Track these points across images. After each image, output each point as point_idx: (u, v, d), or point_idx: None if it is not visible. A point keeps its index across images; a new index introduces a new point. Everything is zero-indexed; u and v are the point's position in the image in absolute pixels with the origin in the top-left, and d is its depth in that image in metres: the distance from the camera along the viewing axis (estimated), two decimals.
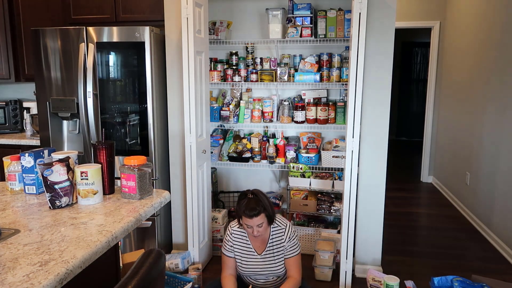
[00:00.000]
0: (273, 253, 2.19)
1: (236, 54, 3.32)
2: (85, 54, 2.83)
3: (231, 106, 3.26)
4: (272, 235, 2.19)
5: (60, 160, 1.56)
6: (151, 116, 2.87)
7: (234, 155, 3.28)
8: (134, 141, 2.94)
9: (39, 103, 3.01)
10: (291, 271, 2.18)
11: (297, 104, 3.14)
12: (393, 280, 2.28)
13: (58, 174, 1.53)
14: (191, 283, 2.31)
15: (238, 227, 2.23)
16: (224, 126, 3.51)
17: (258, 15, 3.35)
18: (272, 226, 2.20)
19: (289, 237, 2.18)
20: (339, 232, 3.11)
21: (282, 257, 2.19)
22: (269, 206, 2.12)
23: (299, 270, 2.19)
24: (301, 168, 3.17)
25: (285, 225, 2.21)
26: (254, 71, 3.22)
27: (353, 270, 2.88)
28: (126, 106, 2.90)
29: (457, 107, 4.62)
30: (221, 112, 3.28)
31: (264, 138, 3.32)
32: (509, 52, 3.32)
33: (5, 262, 1.10)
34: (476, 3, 4.19)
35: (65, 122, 3.12)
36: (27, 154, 1.66)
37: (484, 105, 3.83)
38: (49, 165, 1.52)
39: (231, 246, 2.22)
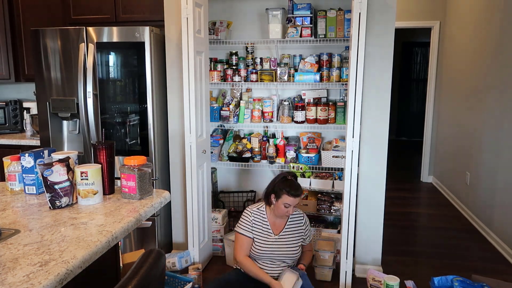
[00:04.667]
0: (291, 234, 2.34)
1: (236, 54, 3.32)
2: (85, 54, 2.83)
3: (231, 106, 3.26)
4: (291, 217, 2.37)
5: (60, 160, 1.56)
6: (151, 116, 2.87)
7: (234, 155, 3.28)
8: (134, 141, 2.94)
9: (39, 103, 3.01)
10: (307, 249, 2.49)
11: (297, 104, 3.14)
12: (393, 280, 2.28)
13: (58, 174, 1.53)
14: (191, 283, 2.31)
15: (257, 208, 2.36)
16: (224, 126, 3.51)
17: (258, 15, 3.35)
18: None
19: (307, 224, 2.43)
20: (339, 232, 3.11)
21: (299, 239, 2.36)
22: None
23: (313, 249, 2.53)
24: (301, 168, 3.17)
25: (303, 212, 2.46)
26: (254, 71, 3.22)
27: (353, 270, 2.88)
28: (126, 106, 2.90)
29: (457, 107, 4.62)
30: (221, 112, 3.28)
31: (264, 138, 3.32)
32: (509, 52, 3.32)
33: (5, 262, 1.10)
34: (476, 3, 4.19)
35: (65, 122, 3.12)
36: (27, 154, 1.66)
37: (484, 105, 3.84)
38: (49, 165, 1.52)
39: (251, 226, 2.31)
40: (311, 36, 3.03)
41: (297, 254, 2.34)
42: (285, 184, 2.25)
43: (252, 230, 2.30)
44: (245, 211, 2.37)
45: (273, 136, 3.42)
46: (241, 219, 2.35)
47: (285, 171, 2.41)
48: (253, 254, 2.30)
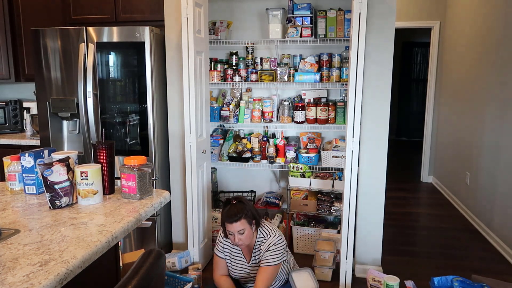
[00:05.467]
0: (258, 262, 2.21)
1: (236, 54, 3.32)
2: (85, 54, 2.83)
3: (231, 106, 3.26)
4: (256, 244, 2.20)
5: (60, 160, 1.56)
6: (151, 116, 2.87)
7: (234, 155, 3.28)
8: (134, 141, 2.94)
9: (39, 103, 3.01)
10: (258, 281, 2.08)
11: (297, 104, 3.14)
12: (393, 280, 2.28)
13: (58, 174, 1.53)
14: (191, 283, 2.31)
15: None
16: (224, 126, 3.51)
17: (258, 15, 3.35)
18: (258, 236, 2.20)
19: (267, 247, 2.14)
20: (339, 232, 3.11)
21: None
22: (254, 212, 2.14)
23: (267, 283, 2.10)
24: (301, 168, 3.17)
25: (269, 236, 2.17)
26: (254, 71, 3.22)
27: (353, 270, 2.88)
28: (126, 106, 2.90)
29: (457, 107, 4.62)
30: (221, 112, 3.28)
31: (264, 138, 3.32)
32: (509, 51, 3.32)
33: (5, 262, 1.10)
34: (476, 3, 4.19)
35: (65, 122, 3.12)
36: (27, 154, 1.66)
37: (484, 105, 3.83)
38: (49, 165, 1.52)
39: (222, 248, 2.26)
40: (311, 36, 3.03)
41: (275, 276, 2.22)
42: (224, 210, 2.13)
43: (224, 252, 2.27)
44: (220, 229, 2.25)
45: (273, 136, 3.42)
46: (217, 237, 2.30)
47: (233, 197, 2.23)
48: (233, 274, 2.28)
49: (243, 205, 2.11)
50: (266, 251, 2.14)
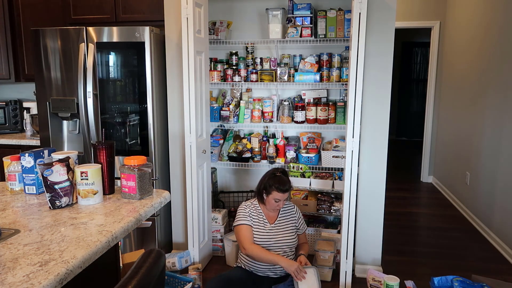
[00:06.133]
0: (285, 222, 2.45)
1: (236, 54, 3.32)
2: (85, 54, 2.83)
3: (231, 106, 3.26)
4: (282, 208, 2.49)
5: (60, 160, 1.56)
6: (151, 116, 2.87)
7: (234, 155, 3.28)
8: (134, 141, 2.94)
9: (39, 103, 3.01)
10: (303, 241, 2.57)
11: (297, 104, 3.14)
12: (393, 280, 2.28)
13: (58, 174, 1.53)
14: (191, 283, 2.31)
15: (251, 202, 2.47)
16: (224, 126, 3.51)
17: (258, 15, 3.35)
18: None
19: (298, 213, 2.55)
20: (339, 232, 3.11)
21: (293, 227, 2.46)
22: None
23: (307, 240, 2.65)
24: (301, 168, 3.17)
25: (293, 203, 2.58)
26: (254, 71, 3.22)
27: (353, 270, 2.88)
28: (126, 106, 2.90)
29: (457, 107, 4.62)
30: (221, 112, 3.28)
31: (264, 138, 3.32)
32: (509, 51, 3.32)
33: (5, 262, 1.10)
34: (476, 3, 4.19)
35: (65, 122, 3.12)
36: (27, 154, 1.66)
37: (484, 105, 3.84)
38: (49, 165, 1.52)
39: (248, 215, 2.41)
40: (311, 36, 3.03)
41: (294, 241, 2.43)
42: (274, 180, 2.35)
43: (251, 219, 2.40)
44: (240, 206, 2.47)
45: (273, 136, 3.42)
46: (237, 214, 2.44)
47: (273, 168, 2.50)
48: (255, 241, 2.37)
49: (288, 177, 2.44)
50: (298, 219, 2.53)
